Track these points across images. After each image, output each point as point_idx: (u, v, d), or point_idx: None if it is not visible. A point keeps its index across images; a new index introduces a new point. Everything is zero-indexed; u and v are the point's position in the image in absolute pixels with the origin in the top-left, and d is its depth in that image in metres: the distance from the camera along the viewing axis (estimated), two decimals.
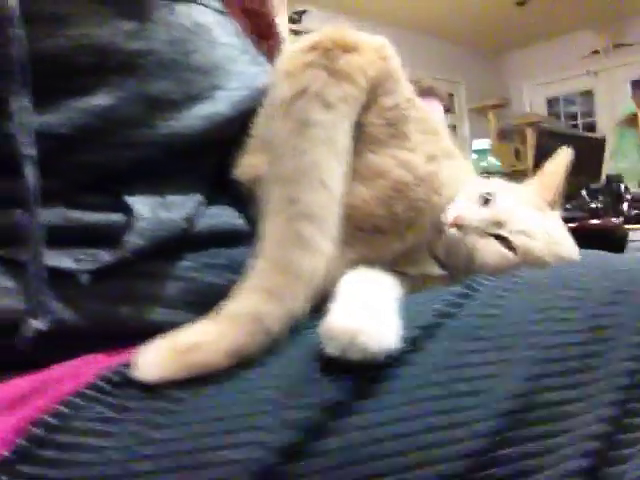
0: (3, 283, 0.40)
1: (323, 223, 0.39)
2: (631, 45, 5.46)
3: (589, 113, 6.04)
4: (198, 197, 0.47)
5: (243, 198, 0.50)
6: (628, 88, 5.56)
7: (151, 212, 0.43)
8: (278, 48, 0.64)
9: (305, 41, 0.45)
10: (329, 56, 0.43)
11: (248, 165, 0.49)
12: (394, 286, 0.42)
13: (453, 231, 0.46)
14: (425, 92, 1.73)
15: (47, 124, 0.42)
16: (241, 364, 0.36)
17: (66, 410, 0.35)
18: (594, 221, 1.23)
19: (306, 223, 0.38)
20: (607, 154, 2.00)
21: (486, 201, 0.47)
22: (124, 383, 0.37)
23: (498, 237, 0.45)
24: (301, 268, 0.37)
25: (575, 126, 6.08)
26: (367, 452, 0.32)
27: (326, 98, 0.41)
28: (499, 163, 1.23)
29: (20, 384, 0.38)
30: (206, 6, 0.50)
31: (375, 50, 0.45)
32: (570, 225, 0.49)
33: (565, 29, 5.52)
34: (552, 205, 0.49)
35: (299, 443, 0.32)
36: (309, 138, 0.40)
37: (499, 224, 0.45)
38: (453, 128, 5.52)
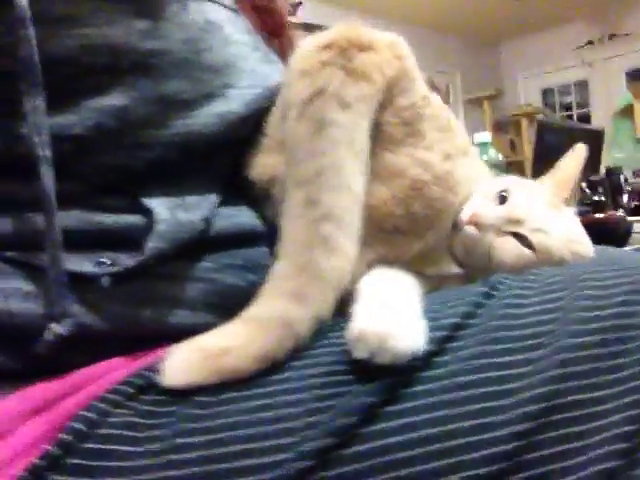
0: (24, 287, 0.40)
1: (346, 225, 0.39)
2: (626, 35, 5.46)
3: (584, 103, 6.05)
4: (214, 197, 0.47)
5: (258, 198, 0.50)
6: (623, 78, 5.57)
7: (170, 214, 0.43)
8: (289, 46, 0.64)
9: (319, 39, 0.44)
10: (345, 55, 0.42)
11: (262, 165, 0.49)
12: (415, 286, 0.42)
13: (470, 229, 0.46)
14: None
15: (62, 125, 0.41)
16: (268, 367, 0.36)
17: (93, 416, 0.35)
18: (598, 215, 1.23)
19: (329, 225, 0.38)
20: (605, 146, 2.01)
21: (502, 199, 0.47)
22: (150, 388, 0.37)
23: (515, 235, 0.45)
24: (328, 271, 0.37)
25: (570, 117, 6.09)
26: (397, 457, 0.32)
27: (344, 98, 0.41)
28: (500, 156, 1.23)
29: (45, 389, 0.38)
30: (217, 3, 0.50)
31: (390, 48, 0.45)
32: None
33: (560, 20, 5.51)
34: (567, 202, 0.49)
35: (329, 448, 0.32)
36: (328, 139, 0.40)
37: (516, 222, 0.45)
38: None
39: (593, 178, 1.41)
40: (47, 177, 0.38)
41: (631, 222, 1.26)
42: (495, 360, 0.35)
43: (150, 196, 0.44)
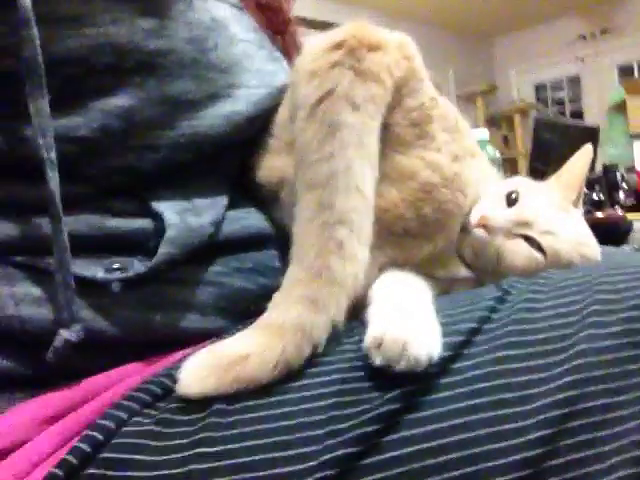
0: (34, 293, 0.39)
1: (359, 229, 0.38)
2: (618, 31, 5.47)
3: (576, 99, 6.06)
4: (223, 200, 0.47)
5: (266, 200, 0.50)
6: (615, 73, 5.59)
7: (179, 218, 0.42)
8: (293, 43, 0.63)
9: (328, 39, 0.44)
10: (354, 55, 0.42)
11: (270, 167, 0.49)
12: (427, 289, 0.42)
13: (479, 232, 0.45)
14: None
15: (67, 127, 0.41)
16: (285, 374, 0.35)
17: (109, 424, 0.35)
18: (599, 214, 1.23)
19: (343, 229, 0.38)
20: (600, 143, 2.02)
21: (511, 201, 0.47)
22: (167, 395, 0.37)
23: (525, 238, 0.45)
24: (343, 276, 0.37)
25: (562, 112, 6.11)
26: (418, 466, 0.32)
27: (353, 99, 0.40)
28: (498, 153, 1.23)
29: (59, 397, 0.38)
30: (222, 1, 0.49)
31: (399, 49, 0.45)
32: None
33: (552, 15, 5.52)
34: (575, 203, 0.49)
35: (351, 457, 0.32)
36: (339, 141, 0.39)
37: (525, 224, 0.45)
38: None
39: (590, 176, 1.41)
40: (52, 180, 0.38)
41: (631, 221, 1.26)
42: (512, 366, 0.34)
43: (158, 199, 0.43)
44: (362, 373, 0.35)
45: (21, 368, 0.38)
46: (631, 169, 2.69)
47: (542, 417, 0.33)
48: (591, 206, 1.30)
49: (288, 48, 0.63)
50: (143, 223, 0.43)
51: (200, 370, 0.35)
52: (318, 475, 0.32)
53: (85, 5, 0.41)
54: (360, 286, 0.38)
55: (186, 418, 0.35)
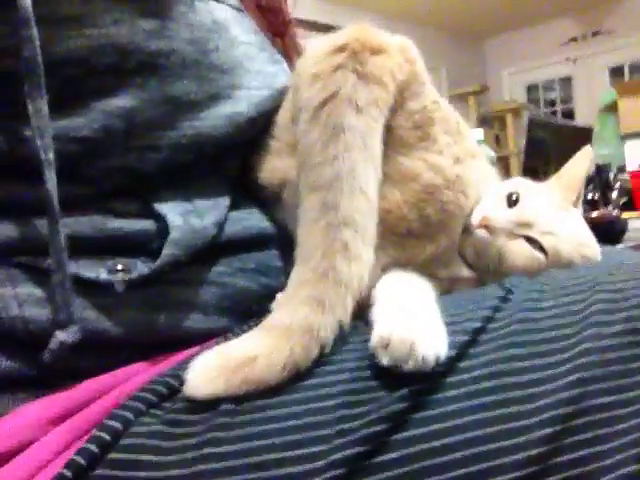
0: (37, 293, 0.39)
1: (363, 230, 0.39)
2: (609, 33, 5.52)
3: (568, 99, 6.11)
4: (225, 201, 0.47)
5: (267, 201, 0.50)
6: (606, 75, 5.64)
7: (182, 220, 0.43)
8: (292, 45, 0.63)
9: (330, 42, 0.44)
10: (357, 58, 0.42)
11: (272, 169, 0.49)
12: (431, 290, 0.42)
13: (481, 232, 0.46)
14: None
15: (69, 127, 0.41)
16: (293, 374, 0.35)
17: (117, 424, 0.35)
18: (594, 213, 1.24)
19: (348, 230, 0.38)
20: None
21: (512, 201, 0.47)
22: (173, 395, 0.37)
23: (526, 238, 0.45)
24: (349, 277, 0.37)
25: (554, 112, 6.16)
26: (427, 464, 0.32)
27: (357, 102, 0.41)
28: (492, 153, 1.24)
29: (66, 397, 0.38)
30: (223, 3, 0.49)
31: (402, 52, 0.45)
32: None
33: (544, 17, 5.56)
34: (575, 203, 0.49)
35: (360, 456, 0.32)
36: (343, 143, 0.40)
37: (526, 225, 0.45)
38: None
39: None
40: (50, 180, 0.38)
41: (626, 220, 1.27)
42: (517, 364, 0.35)
43: (160, 200, 0.44)
44: (369, 372, 0.35)
45: (25, 368, 0.38)
46: (622, 169, 2.72)
47: (546, 415, 0.33)
48: (585, 205, 1.31)
49: (288, 50, 0.63)
50: (146, 224, 0.43)
51: (208, 371, 0.35)
52: (327, 474, 0.32)
53: (86, 6, 0.41)
54: (365, 287, 0.38)
55: (193, 418, 0.35)
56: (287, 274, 0.40)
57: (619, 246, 1.10)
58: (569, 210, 0.48)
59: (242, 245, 0.47)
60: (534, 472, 0.32)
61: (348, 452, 0.32)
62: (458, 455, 0.32)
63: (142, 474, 0.33)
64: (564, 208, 0.48)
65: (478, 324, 0.37)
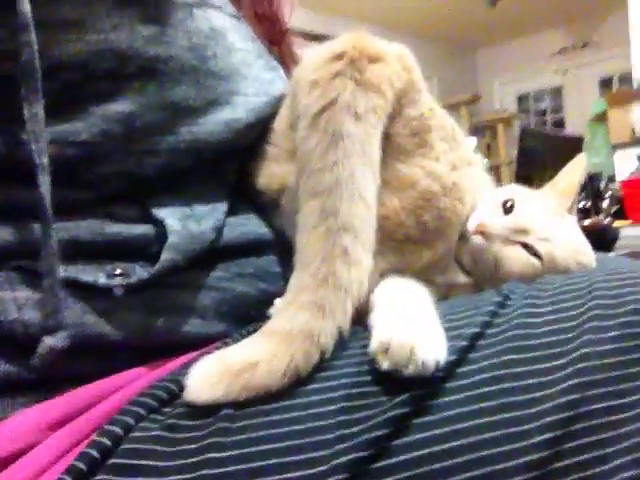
0: (34, 296, 0.39)
1: (363, 236, 0.39)
2: (598, 44, 5.59)
3: (558, 109, 6.17)
4: (222, 206, 0.47)
5: (265, 206, 0.50)
6: (596, 85, 5.71)
7: (181, 225, 0.43)
8: (288, 53, 0.64)
9: (329, 49, 0.45)
10: (356, 66, 0.43)
11: (270, 175, 0.49)
12: (429, 295, 0.42)
13: (477, 239, 0.46)
14: None
15: (68, 132, 0.41)
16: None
17: (118, 430, 0.35)
18: (586, 221, 1.25)
19: (347, 236, 0.38)
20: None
21: (507, 208, 0.48)
22: (172, 400, 0.37)
23: (522, 244, 0.46)
24: (348, 282, 0.37)
25: (545, 122, 6.22)
26: (429, 469, 0.32)
27: (356, 109, 0.41)
28: (486, 161, 1.25)
29: (65, 402, 0.38)
30: (221, 10, 0.50)
31: (399, 60, 0.46)
32: None
33: (534, 28, 5.63)
34: (569, 210, 0.50)
35: (362, 461, 0.32)
36: (342, 150, 0.40)
37: (523, 231, 0.46)
38: None
39: None
40: (43, 184, 0.38)
41: (618, 229, 1.28)
42: (515, 370, 0.35)
43: (159, 205, 0.44)
44: (369, 378, 0.35)
45: (24, 372, 0.38)
46: (612, 178, 2.76)
47: (546, 420, 0.33)
48: (577, 214, 1.32)
49: (284, 58, 0.64)
50: (144, 229, 0.43)
51: (208, 377, 0.35)
52: (330, 479, 0.32)
53: (86, 11, 0.42)
54: (365, 292, 0.38)
55: (194, 423, 0.35)
56: (285, 280, 0.40)
57: (611, 254, 1.11)
58: (564, 217, 0.49)
59: (240, 250, 0.47)
60: (535, 477, 0.32)
61: (350, 457, 0.32)
62: (460, 460, 0.32)
63: (144, 479, 0.33)
64: (559, 214, 0.48)
65: (476, 329, 0.37)
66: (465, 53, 6.35)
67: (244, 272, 0.46)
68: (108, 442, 0.34)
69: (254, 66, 0.51)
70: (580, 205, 1.33)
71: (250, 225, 0.49)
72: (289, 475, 0.32)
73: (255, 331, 0.39)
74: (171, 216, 0.43)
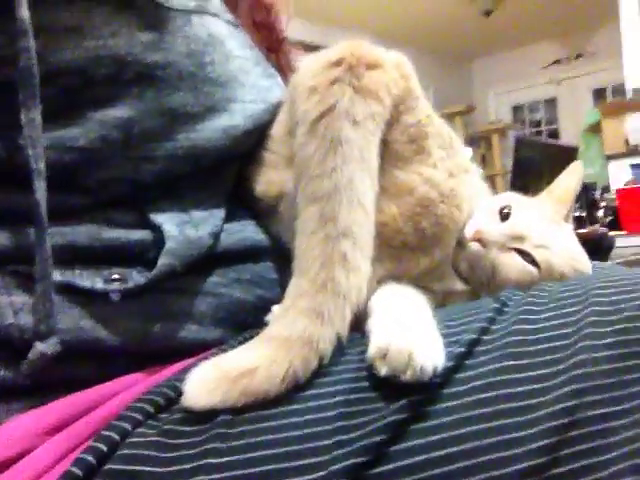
0: (27, 300, 0.39)
1: (361, 242, 0.39)
2: (591, 55, 5.65)
3: (552, 120, 6.22)
4: (220, 212, 0.47)
5: (262, 213, 0.50)
6: (590, 96, 5.76)
7: (178, 231, 0.43)
8: (286, 60, 0.64)
9: (326, 56, 0.45)
10: (354, 73, 0.43)
11: (268, 181, 0.49)
12: (426, 302, 0.42)
13: (474, 246, 0.46)
14: None
15: (66, 137, 0.41)
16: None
17: (113, 435, 0.34)
18: (581, 230, 1.25)
19: (346, 242, 0.38)
20: None
21: (504, 215, 0.48)
22: (170, 406, 0.36)
23: (519, 251, 0.46)
24: (347, 288, 0.37)
25: (539, 132, 6.26)
26: (426, 475, 0.32)
27: (354, 116, 0.41)
28: (482, 170, 1.25)
29: (62, 407, 0.37)
30: (219, 18, 0.50)
31: (396, 67, 0.46)
32: None
33: (529, 39, 5.67)
34: (566, 218, 0.50)
35: (359, 467, 0.32)
36: (341, 156, 0.40)
37: (520, 238, 0.46)
38: None
39: None
40: (39, 190, 0.38)
41: (613, 238, 1.28)
42: (514, 376, 0.35)
43: (156, 211, 0.44)
44: (367, 383, 0.35)
45: (20, 378, 0.38)
46: (606, 188, 2.77)
47: (543, 426, 0.33)
48: (576, 223, 1.33)
49: (282, 65, 0.64)
50: (142, 234, 0.43)
51: (206, 383, 0.35)
52: None
53: (85, 17, 0.42)
54: (363, 298, 0.38)
55: (191, 429, 0.35)
56: (282, 286, 0.40)
57: (608, 263, 1.11)
58: (561, 224, 0.49)
59: (237, 256, 0.47)
60: None
61: (348, 463, 0.32)
62: (458, 466, 0.32)
63: None
64: (556, 222, 0.48)
65: (474, 336, 0.37)
66: (460, 64, 6.39)
67: (241, 278, 0.46)
68: (105, 448, 0.34)
69: (252, 73, 0.51)
70: (575, 214, 1.33)
71: (247, 231, 0.49)
72: None
73: (252, 337, 0.39)
74: (169, 222, 0.43)
